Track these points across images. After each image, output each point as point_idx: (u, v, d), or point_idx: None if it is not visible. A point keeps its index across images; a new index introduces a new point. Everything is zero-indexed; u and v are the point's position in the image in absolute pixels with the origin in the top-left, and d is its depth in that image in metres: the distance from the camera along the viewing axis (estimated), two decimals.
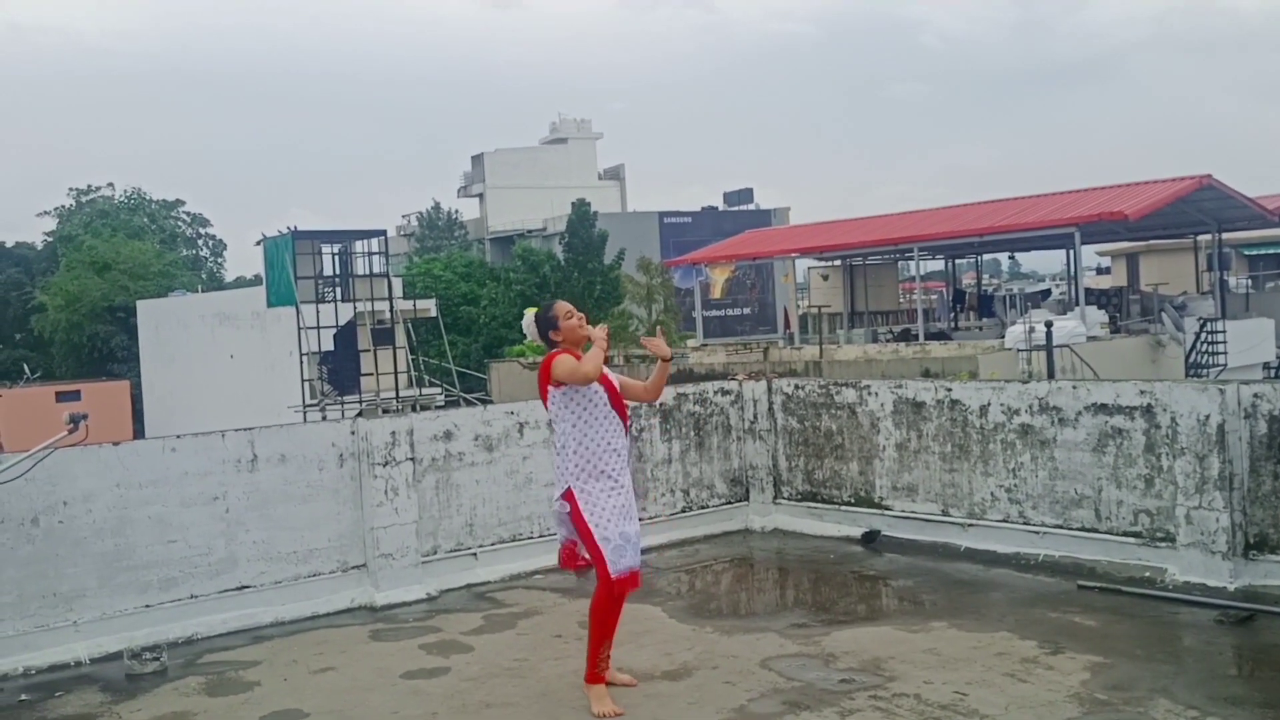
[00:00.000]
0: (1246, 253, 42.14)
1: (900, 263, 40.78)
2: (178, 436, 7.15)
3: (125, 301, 47.55)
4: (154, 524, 6.82)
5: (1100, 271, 52.98)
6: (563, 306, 5.54)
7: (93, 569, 6.63)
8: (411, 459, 7.67)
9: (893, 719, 5.05)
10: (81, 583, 6.60)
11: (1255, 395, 6.84)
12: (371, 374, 30.24)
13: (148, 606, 6.77)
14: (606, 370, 5.44)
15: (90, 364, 48.62)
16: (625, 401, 5.49)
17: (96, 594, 6.64)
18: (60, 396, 34.66)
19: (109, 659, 6.46)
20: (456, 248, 65.93)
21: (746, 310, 41.16)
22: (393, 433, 7.62)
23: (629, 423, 5.50)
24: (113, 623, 6.65)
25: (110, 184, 67.12)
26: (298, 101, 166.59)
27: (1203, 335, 27.59)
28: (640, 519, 5.57)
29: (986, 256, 45.50)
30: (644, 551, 5.54)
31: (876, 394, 8.71)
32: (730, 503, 9.36)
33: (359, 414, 23.33)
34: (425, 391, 32.62)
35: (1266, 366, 29.09)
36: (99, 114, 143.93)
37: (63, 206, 66.33)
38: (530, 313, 5.63)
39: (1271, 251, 42.90)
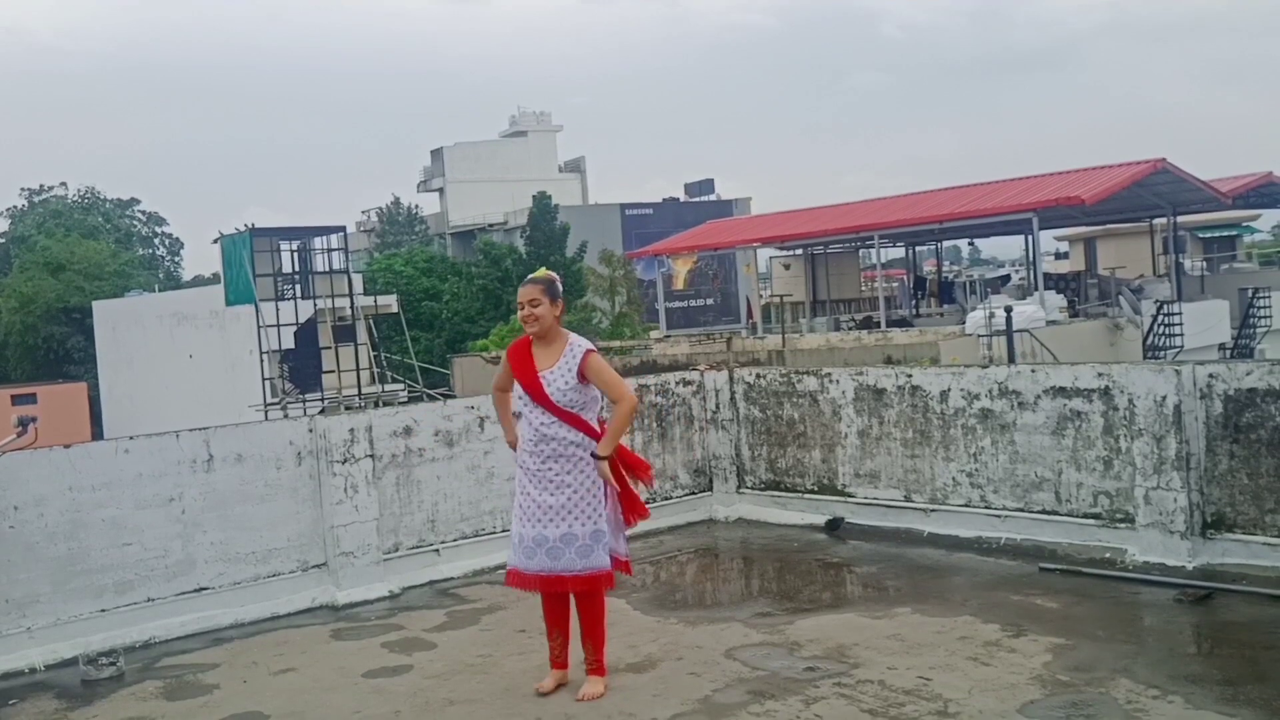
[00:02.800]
0: (1201, 235, 42.69)
1: (861, 251, 40.95)
2: (130, 438, 7.02)
3: (81, 302, 46.96)
4: (108, 527, 6.70)
5: (1058, 256, 53.46)
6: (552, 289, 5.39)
7: (46, 574, 6.51)
8: (371, 455, 7.59)
9: (857, 706, 5.04)
10: (34, 588, 6.47)
11: (1211, 375, 6.90)
12: (333, 371, 30.04)
13: (103, 611, 6.66)
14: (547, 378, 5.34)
15: (46, 366, 47.99)
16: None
17: (50, 599, 6.51)
18: (16, 400, 34.21)
19: (64, 665, 6.34)
20: (417, 243, 65.61)
21: (709, 301, 41.14)
22: (351, 430, 7.54)
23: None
24: (67, 628, 6.52)
25: (63, 183, 66.42)
26: (254, 98, 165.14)
27: (1160, 318, 27.92)
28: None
29: (947, 243, 45.80)
30: None
31: (838, 381, 8.72)
32: (694, 493, 9.34)
33: (321, 411, 23.13)
34: (388, 388, 32.43)
35: (1222, 347, 29.48)
36: (51, 113, 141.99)
37: (15, 207, 65.46)
38: (551, 274, 5.47)
39: (1225, 234, 43.53)
